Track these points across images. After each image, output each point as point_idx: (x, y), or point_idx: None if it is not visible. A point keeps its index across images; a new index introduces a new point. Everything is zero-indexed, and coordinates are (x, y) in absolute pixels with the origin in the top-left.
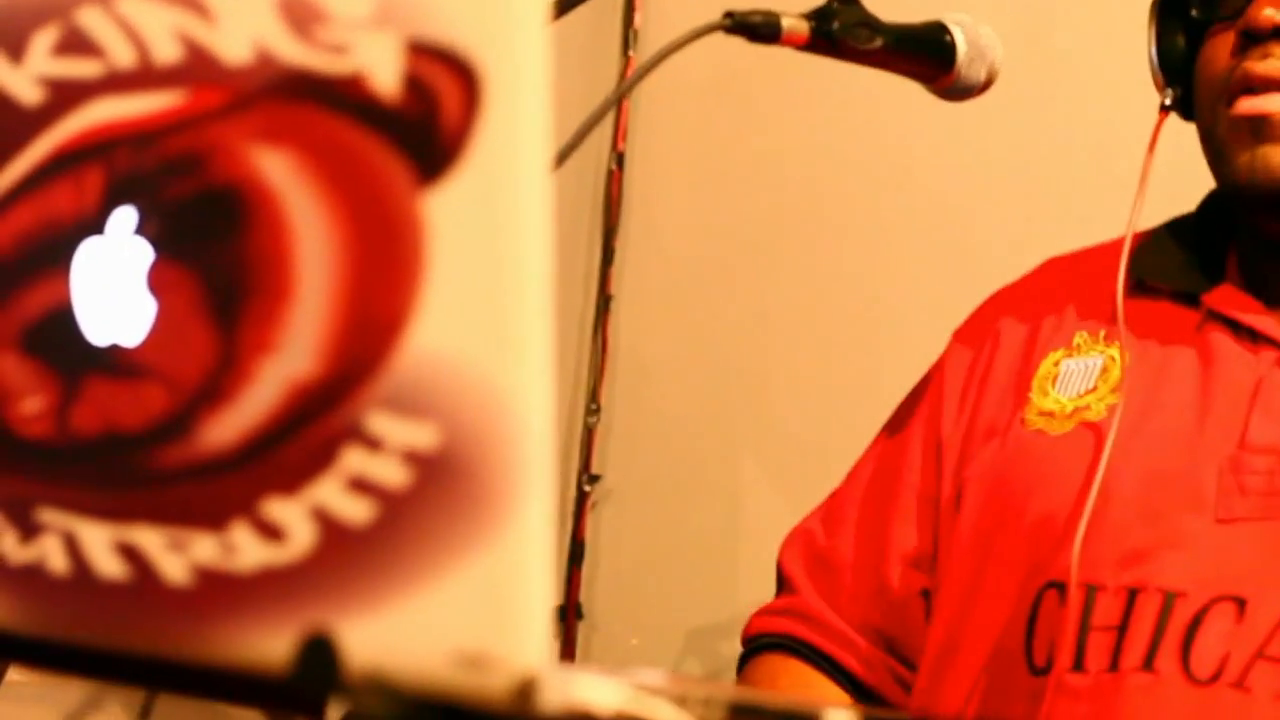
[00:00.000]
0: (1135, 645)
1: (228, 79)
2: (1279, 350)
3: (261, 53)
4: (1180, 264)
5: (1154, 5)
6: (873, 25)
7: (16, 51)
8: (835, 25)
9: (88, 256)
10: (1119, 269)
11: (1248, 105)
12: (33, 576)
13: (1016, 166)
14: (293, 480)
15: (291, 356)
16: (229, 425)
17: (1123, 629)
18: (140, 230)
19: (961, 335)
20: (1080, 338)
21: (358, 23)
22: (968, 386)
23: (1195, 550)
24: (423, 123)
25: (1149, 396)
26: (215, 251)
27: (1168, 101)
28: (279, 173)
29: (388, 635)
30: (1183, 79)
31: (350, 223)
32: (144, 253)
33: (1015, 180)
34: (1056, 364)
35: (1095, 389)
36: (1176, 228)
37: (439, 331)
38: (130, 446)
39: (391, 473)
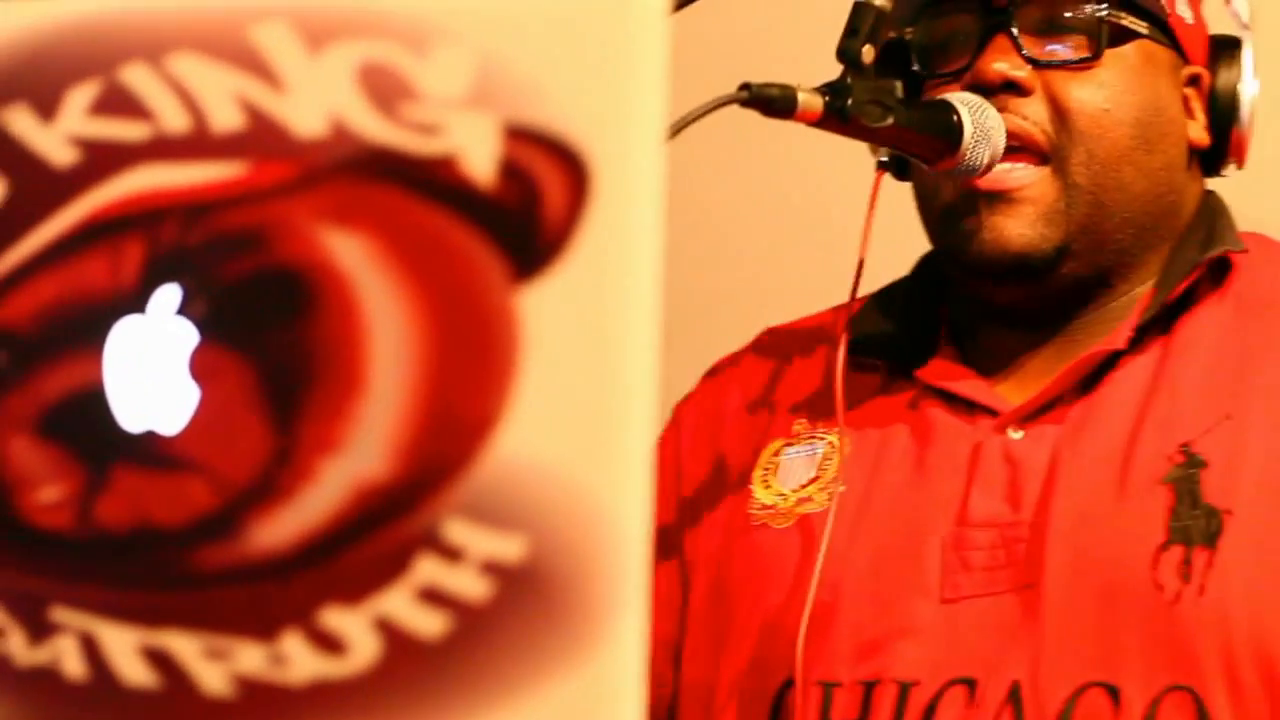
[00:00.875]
0: None
1: (297, 152)
2: (995, 417)
3: (338, 127)
4: (894, 334)
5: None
6: (885, 103)
7: (48, 108)
8: (849, 102)
9: (122, 336)
10: (835, 346)
11: (989, 180)
12: (43, 680)
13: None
14: (357, 589)
15: (359, 455)
16: (283, 527)
17: None
18: (185, 310)
19: (682, 413)
20: (800, 424)
21: (451, 102)
22: (680, 466)
23: (925, 636)
24: (522, 213)
25: (870, 481)
26: (273, 337)
27: (883, 159)
28: (352, 257)
29: None
30: None
31: (434, 315)
32: (187, 335)
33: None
34: (776, 454)
35: (817, 478)
36: (890, 294)
37: (531, 437)
38: (166, 544)
39: (470, 585)
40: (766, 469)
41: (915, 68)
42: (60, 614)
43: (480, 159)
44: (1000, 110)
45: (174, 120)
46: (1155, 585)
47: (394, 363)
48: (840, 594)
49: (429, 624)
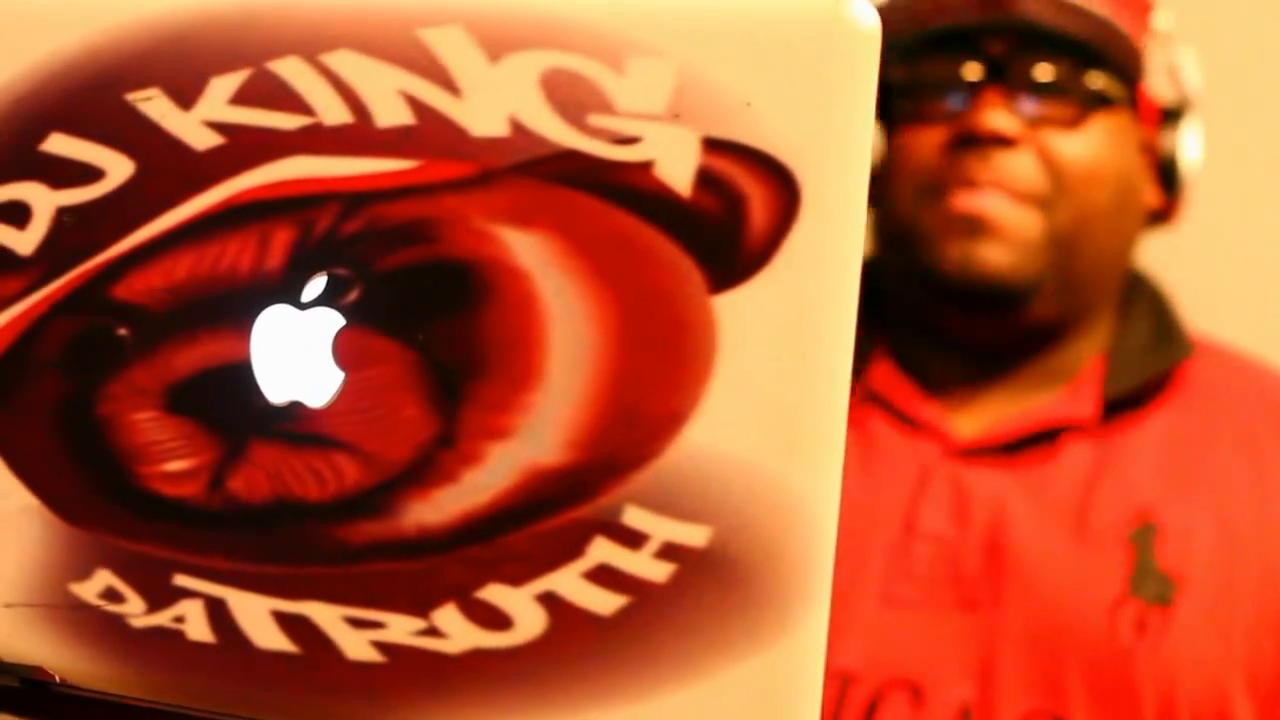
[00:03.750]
0: None
1: (472, 152)
2: (941, 440)
3: (519, 130)
4: None
5: None
6: None
7: (187, 94)
8: None
9: (270, 317)
10: None
11: (966, 202)
12: (164, 640)
13: None
14: (524, 569)
15: (531, 444)
16: (443, 507)
17: None
18: (337, 294)
19: None
20: None
21: (648, 115)
22: None
23: (866, 632)
24: (724, 225)
25: None
26: (438, 327)
27: None
28: (531, 255)
29: None
30: None
31: (620, 315)
32: (335, 318)
33: None
34: None
35: None
36: None
37: (722, 431)
38: (307, 517)
39: (649, 567)
40: None
41: (898, 104)
42: (185, 580)
43: (677, 169)
44: (985, 157)
45: (332, 112)
46: (1111, 633)
47: (574, 358)
48: None
49: (602, 601)
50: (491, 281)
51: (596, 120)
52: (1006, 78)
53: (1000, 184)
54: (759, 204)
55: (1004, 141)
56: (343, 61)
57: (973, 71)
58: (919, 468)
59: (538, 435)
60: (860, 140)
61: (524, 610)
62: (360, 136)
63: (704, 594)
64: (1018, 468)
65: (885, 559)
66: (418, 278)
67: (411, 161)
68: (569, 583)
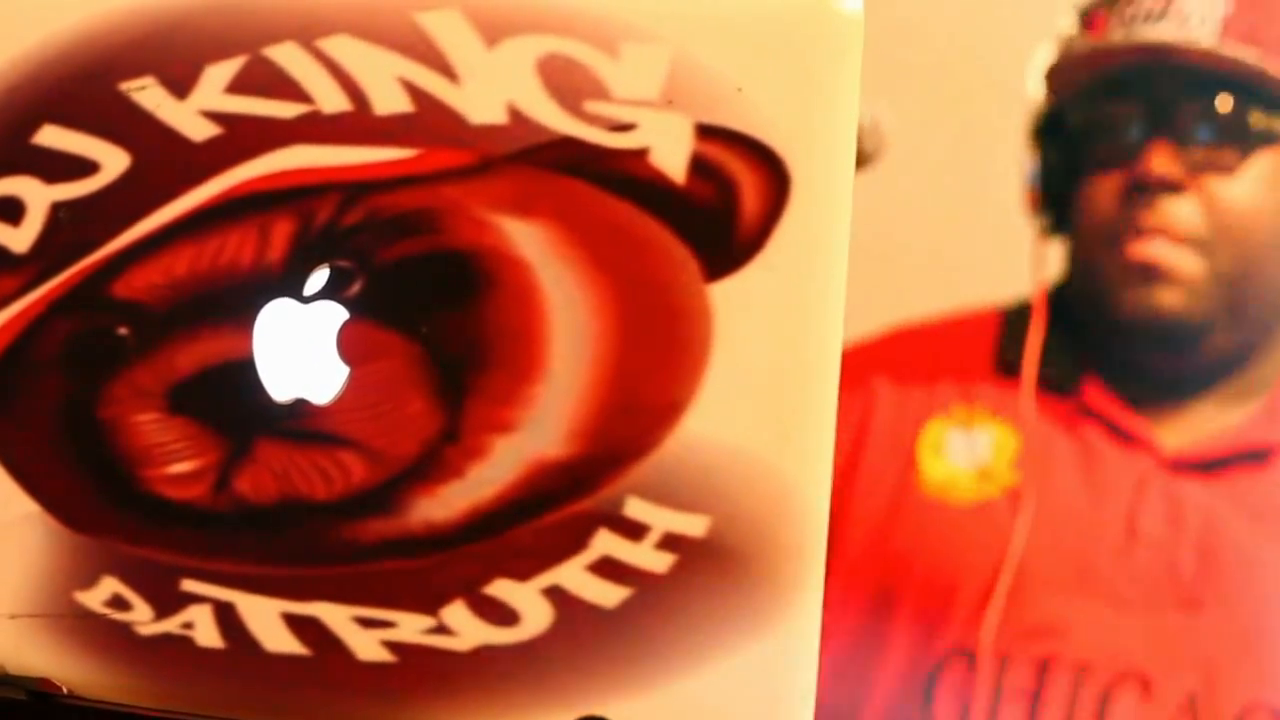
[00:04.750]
0: (1051, 712)
1: (470, 139)
2: (1153, 452)
3: (517, 117)
4: (1046, 350)
5: (1036, 131)
6: None
7: (182, 83)
8: None
9: (271, 312)
10: (978, 352)
11: (1139, 251)
12: (172, 646)
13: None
14: (530, 564)
15: (536, 436)
16: (450, 503)
17: (1037, 696)
18: (338, 288)
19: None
20: (959, 410)
21: (642, 101)
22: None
23: (1097, 627)
24: (717, 212)
25: (1039, 481)
26: (441, 319)
27: (1047, 228)
28: (531, 245)
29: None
30: (1055, 203)
31: (620, 304)
32: (338, 312)
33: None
34: (941, 431)
35: (990, 465)
36: (1023, 314)
37: (718, 420)
38: (315, 516)
39: (651, 558)
40: (933, 444)
41: (1079, 153)
42: (192, 585)
43: (672, 156)
44: (1153, 205)
45: (330, 100)
46: None
47: (575, 349)
48: (1014, 576)
49: (605, 594)
50: (493, 272)
51: (593, 107)
52: (1173, 125)
53: (1165, 230)
54: (751, 190)
55: (1171, 187)
56: (340, 47)
57: (1141, 120)
58: (1135, 478)
59: (541, 427)
60: (846, 124)
61: (531, 605)
62: (359, 125)
63: (703, 583)
64: (1225, 479)
65: (1111, 561)
66: (420, 269)
67: (411, 150)
68: (574, 576)
